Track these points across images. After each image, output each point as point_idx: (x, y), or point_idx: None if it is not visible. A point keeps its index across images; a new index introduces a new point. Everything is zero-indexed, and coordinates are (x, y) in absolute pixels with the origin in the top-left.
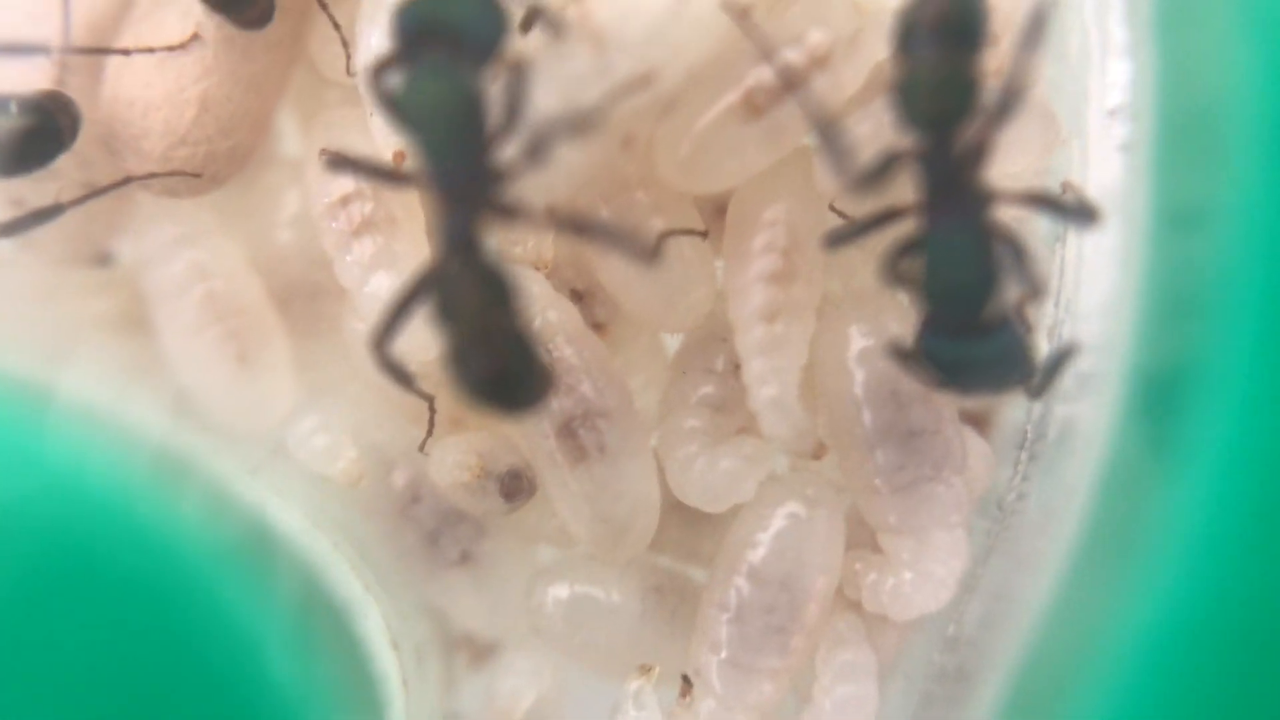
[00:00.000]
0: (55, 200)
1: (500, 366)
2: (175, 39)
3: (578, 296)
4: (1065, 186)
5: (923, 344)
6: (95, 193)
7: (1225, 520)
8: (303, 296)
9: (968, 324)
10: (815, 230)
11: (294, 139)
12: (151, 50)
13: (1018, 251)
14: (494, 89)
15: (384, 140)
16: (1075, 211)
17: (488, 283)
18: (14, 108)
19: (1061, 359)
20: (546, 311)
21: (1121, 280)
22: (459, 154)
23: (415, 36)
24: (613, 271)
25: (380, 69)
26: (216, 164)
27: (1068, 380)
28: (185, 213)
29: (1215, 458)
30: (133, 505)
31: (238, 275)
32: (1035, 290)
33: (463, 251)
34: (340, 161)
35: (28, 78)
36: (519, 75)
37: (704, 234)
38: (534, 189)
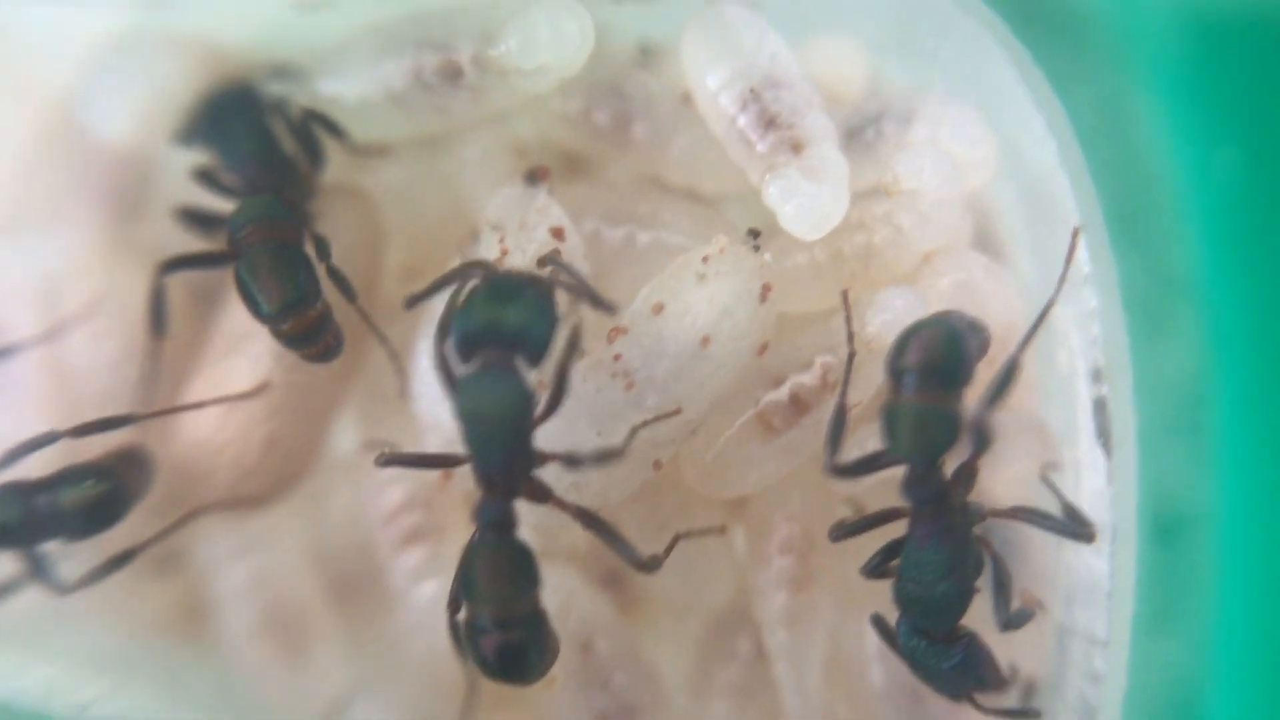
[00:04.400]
0: (129, 547)
1: (514, 640)
2: (246, 383)
3: (611, 581)
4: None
5: (898, 639)
6: (166, 531)
7: None
8: (356, 588)
9: (933, 632)
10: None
11: (347, 437)
12: (226, 400)
13: (999, 570)
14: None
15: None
16: (1068, 528)
17: (514, 562)
18: (90, 482)
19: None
20: (580, 604)
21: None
22: (502, 450)
23: (472, 341)
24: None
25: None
26: (280, 488)
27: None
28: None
29: None
30: None
31: (296, 578)
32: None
33: (496, 530)
34: (393, 458)
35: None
36: (561, 379)
37: (721, 530)
38: (566, 489)
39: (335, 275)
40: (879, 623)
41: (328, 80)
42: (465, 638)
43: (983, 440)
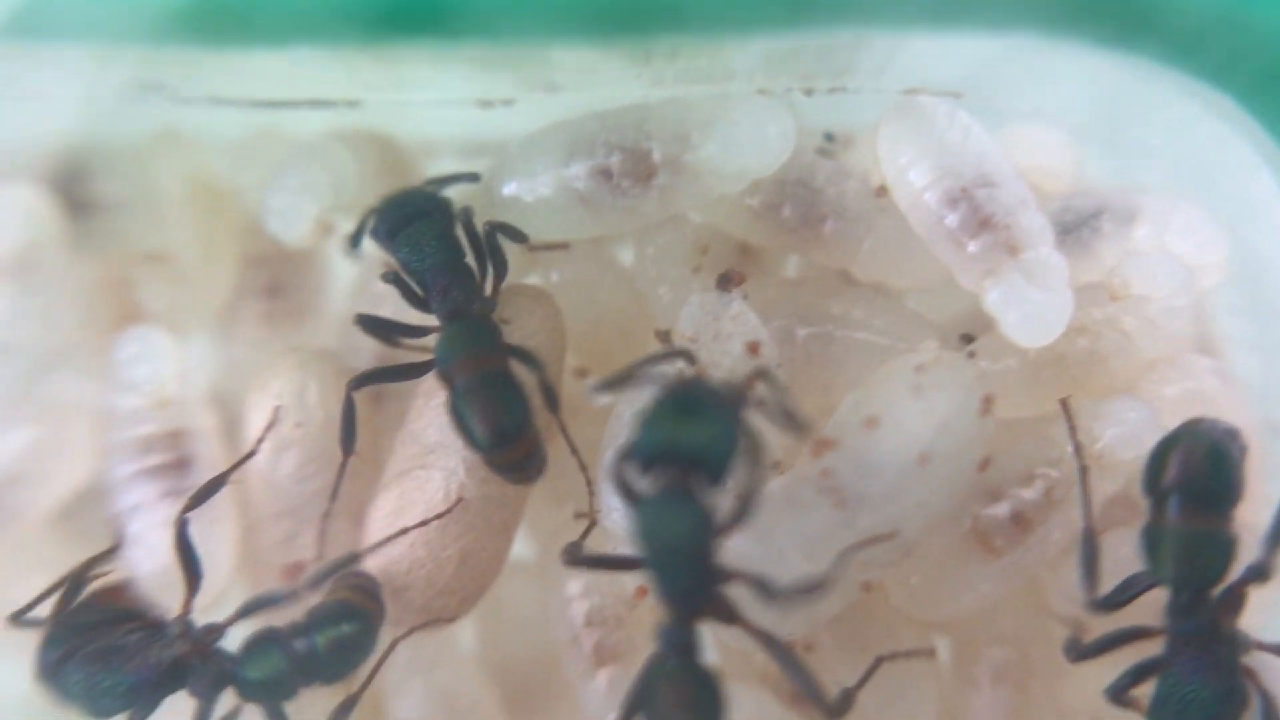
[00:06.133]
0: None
1: None
2: (438, 496)
3: (797, 699)
4: None
5: None
6: (377, 667)
7: None
8: (534, 700)
9: None
10: (1043, 648)
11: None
12: (424, 524)
13: (1269, 708)
14: (725, 502)
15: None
16: None
17: (696, 689)
18: (344, 623)
19: None
20: None
21: None
22: (681, 572)
23: (651, 456)
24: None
25: (621, 477)
26: (470, 605)
27: None
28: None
29: None
30: None
31: (476, 694)
32: None
33: (679, 653)
34: (582, 558)
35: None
36: (748, 499)
37: (931, 653)
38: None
39: (548, 391)
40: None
41: (509, 181)
42: None
43: (1263, 574)
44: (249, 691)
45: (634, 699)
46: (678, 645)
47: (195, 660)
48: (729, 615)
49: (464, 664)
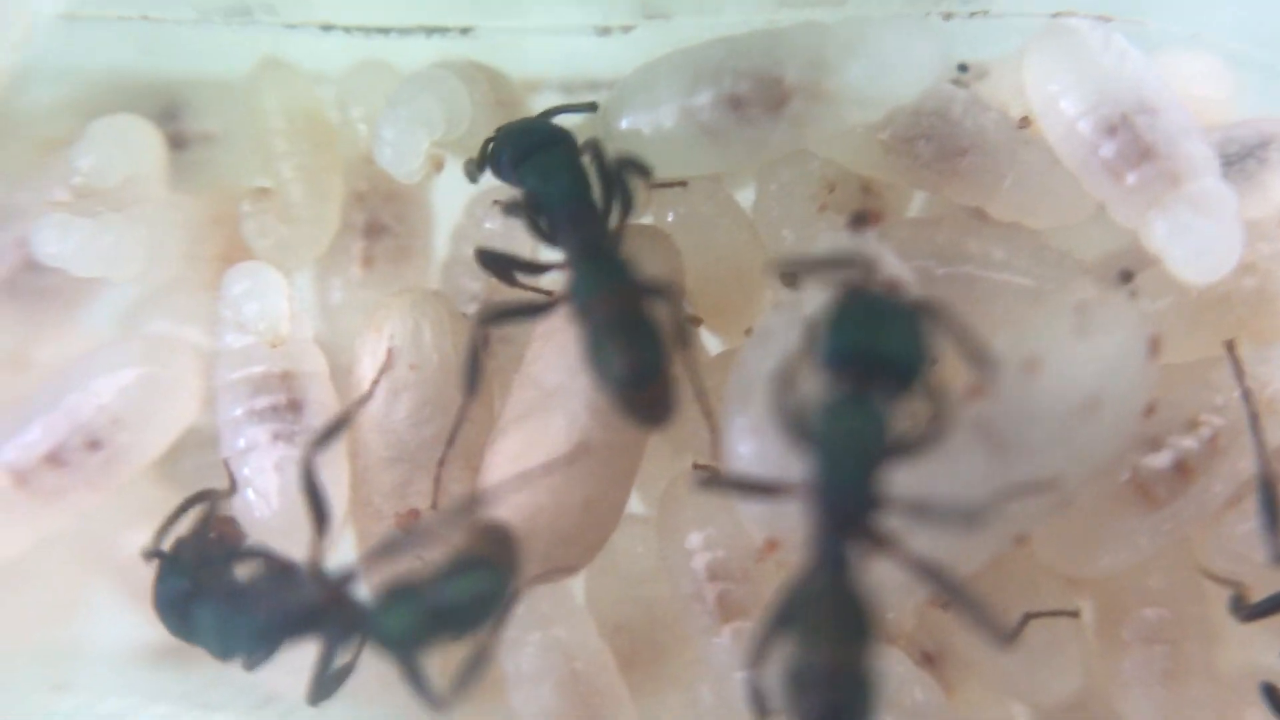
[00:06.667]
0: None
1: (838, 699)
2: (561, 441)
3: (928, 659)
4: None
5: None
6: (503, 617)
7: None
8: (646, 658)
9: None
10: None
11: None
12: (547, 470)
13: None
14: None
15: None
16: None
17: (848, 609)
18: (478, 571)
19: None
20: (912, 692)
21: None
22: (852, 480)
23: (841, 361)
24: (976, 640)
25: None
26: (591, 554)
27: None
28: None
29: None
30: None
31: (594, 648)
32: None
33: (830, 572)
34: (720, 481)
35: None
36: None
37: (1075, 614)
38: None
39: (685, 333)
40: (1270, 694)
41: (627, 112)
42: (786, 691)
43: None
44: (383, 642)
45: (777, 619)
46: (832, 563)
47: (330, 606)
48: (884, 542)
49: (582, 619)
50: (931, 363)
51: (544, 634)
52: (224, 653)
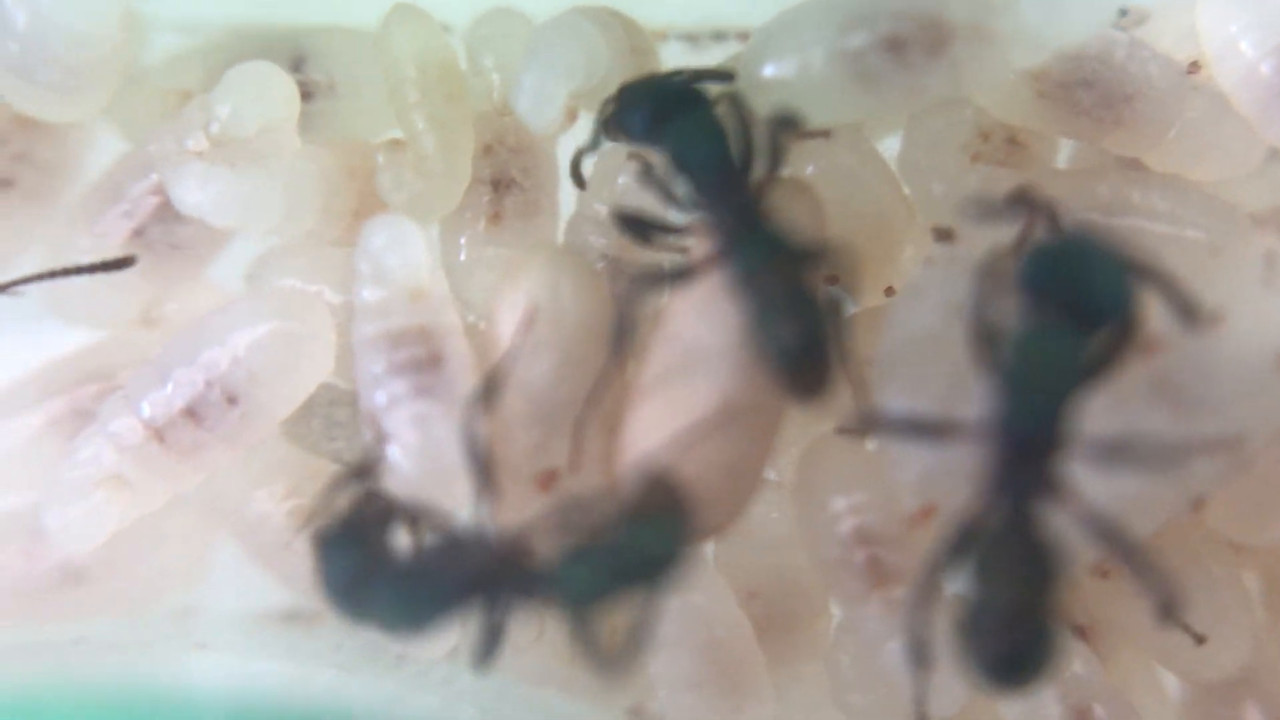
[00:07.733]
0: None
1: (1020, 641)
2: (706, 405)
3: (1080, 633)
4: None
5: None
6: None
7: None
8: (780, 626)
9: None
10: None
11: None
12: (696, 437)
13: None
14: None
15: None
16: None
17: (1030, 549)
18: (659, 524)
19: None
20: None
21: None
22: (1044, 416)
23: (1038, 291)
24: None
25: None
26: (732, 518)
27: None
28: None
29: None
30: None
31: (733, 616)
32: None
33: (1010, 511)
34: (883, 421)
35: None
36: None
37: (1240, 585)
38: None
39: (834, 308)
40: None
41: (773, 59)
42: (962, 635)
43: None
44: (564, 602)
45: (942, 563)
46: (1013, 501)
47: (507, 569)
48: (1062, 489)
49: (720, 586)
50: (1135, 305)
51: (683, 600)
52: (408, 630)
